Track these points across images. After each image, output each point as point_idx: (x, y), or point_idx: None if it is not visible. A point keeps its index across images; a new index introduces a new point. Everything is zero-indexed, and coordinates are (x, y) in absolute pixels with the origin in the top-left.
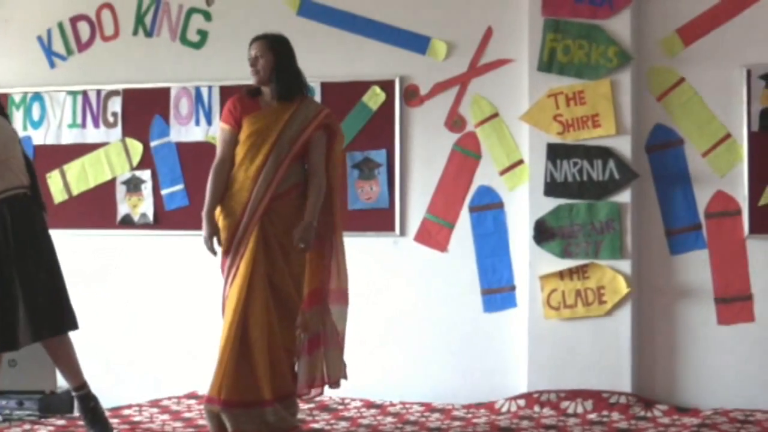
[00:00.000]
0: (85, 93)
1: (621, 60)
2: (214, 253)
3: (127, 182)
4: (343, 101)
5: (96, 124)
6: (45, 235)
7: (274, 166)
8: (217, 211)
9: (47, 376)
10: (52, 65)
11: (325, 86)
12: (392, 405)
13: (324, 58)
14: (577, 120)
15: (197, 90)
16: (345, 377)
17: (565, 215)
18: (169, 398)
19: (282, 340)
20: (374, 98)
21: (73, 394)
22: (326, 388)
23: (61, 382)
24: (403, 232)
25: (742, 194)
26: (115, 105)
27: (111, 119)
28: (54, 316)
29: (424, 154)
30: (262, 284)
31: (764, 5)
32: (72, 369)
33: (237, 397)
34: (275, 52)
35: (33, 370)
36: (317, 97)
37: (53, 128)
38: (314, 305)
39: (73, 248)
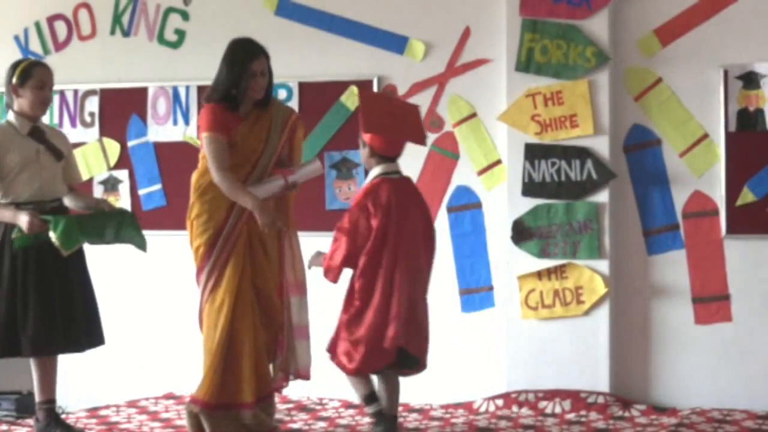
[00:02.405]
0: (62, 93)
1: (599, 60)
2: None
3: (104, 182)
4: (321, 101)
5: (73, 124)
6: (82, 250)
7: (260, 174)
8: (195, 211)
9: (23, 377)
10: None
11: (302, 86)
12: None
13: (302, 58)
14: (554, 120)
15: (175, 90)
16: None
17: (543, 215)
18: (147, 399)
19: (265, 342)
20: (352, 98)
21: (43, 406)
22: (294, 380)
23: None
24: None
25: (719, 194)
26: (93, 105)
27: (88, 119)
28: (92, 330)
29: (402, 154)
30: (248, 288)
31: (741, 6)
32: (51, 382)
33: (219, 400)
34: (270, 71)
35: (9, 370)
36: (295, 97)
37: None
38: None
39: None
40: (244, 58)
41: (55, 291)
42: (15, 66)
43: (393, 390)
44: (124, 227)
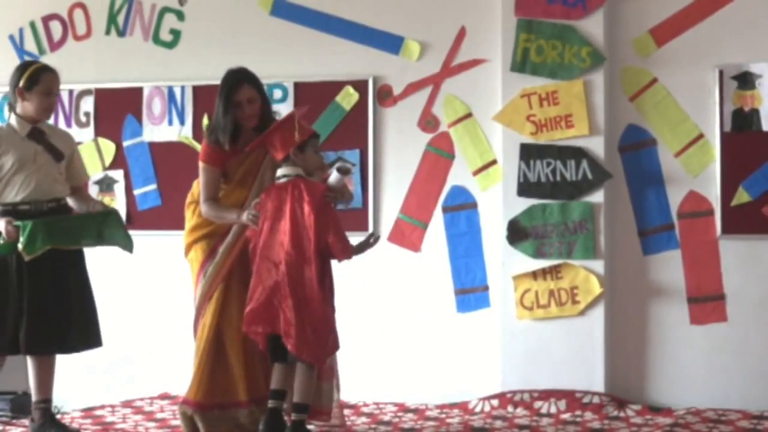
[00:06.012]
0: None
1: (594, 60)
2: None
3: (99, 182)
4: (317, 101)
5: (68, 124)
6: (81, 250)
7: (258, 189)
8: (193, 211)
9: (19, 377)
10: None
11: (298, 86)
12: (366, 405)
13: (297, 59)
14: (550, 120)
15: (170, 90)
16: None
17: (538, 215)
18: (142, 399)
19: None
20: (347, 98)
21: (39, 405)
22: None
23: None
24: (376, 233)
25: (714, 194)
26: (88, 105)
27: (83, 119)
28: (88, 331)
29: (398, 155)
30: (238, 287)
31: (736, 6)
32: (49, 381)
33: (211, 399)
34: (263, 96)
35: (5, 370)
36: (290, 98)
37: None
38: None
39: None
40: (228, 92)
41: (49, 293)
42: (23, 69)
43: (297, 378)
44: (107, 228)
